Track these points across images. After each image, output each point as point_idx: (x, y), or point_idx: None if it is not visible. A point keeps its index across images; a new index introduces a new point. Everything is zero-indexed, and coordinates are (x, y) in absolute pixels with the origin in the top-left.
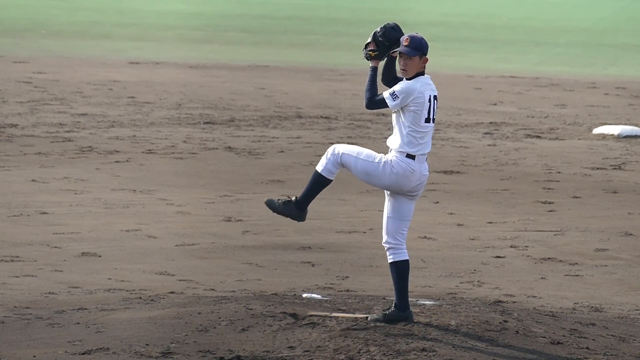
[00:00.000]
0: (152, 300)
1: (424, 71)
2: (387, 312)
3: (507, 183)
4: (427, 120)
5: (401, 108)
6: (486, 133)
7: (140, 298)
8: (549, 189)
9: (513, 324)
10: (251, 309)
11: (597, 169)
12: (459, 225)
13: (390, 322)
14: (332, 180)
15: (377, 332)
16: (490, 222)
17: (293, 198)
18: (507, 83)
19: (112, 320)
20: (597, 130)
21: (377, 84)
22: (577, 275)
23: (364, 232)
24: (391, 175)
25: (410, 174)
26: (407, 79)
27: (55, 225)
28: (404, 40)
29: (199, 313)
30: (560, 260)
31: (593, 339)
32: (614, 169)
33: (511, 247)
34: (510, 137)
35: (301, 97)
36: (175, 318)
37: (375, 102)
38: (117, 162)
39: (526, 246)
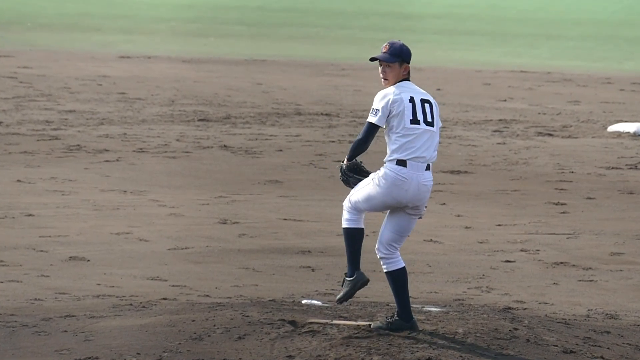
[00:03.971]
0: (143, 307)
1: (408, 79)
2: (391, 320)
3: (518, 183)
4: (414, 122)
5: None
6: (495, 131)
7: (131, 305)
8: (561, 189)
9: (523, 332)
10: (248, 316)
11: (612, 168)
12: (466, 227)
13: (394, 330)
14: (362, 229)
15: (380, 341)
16: (499, 225)
17: (344, 274)
18: (517, 78)
19: (102, 328)
20: (612, 128)
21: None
22: (591, 281)
23: (367, 235)
24: (382, 188)
25: (402, 182)
26: None
27: (42, 228)
28: (383, 47)
29: (193, 320)
30: (573, 265)
31: (608, 348)
32: (630, 168)
33: (521, 251)
34: (521, 135)
35: (300, 93)
36: (168, 326)
37: (363, 133)
38: (107, 161)
39: (537, 250)
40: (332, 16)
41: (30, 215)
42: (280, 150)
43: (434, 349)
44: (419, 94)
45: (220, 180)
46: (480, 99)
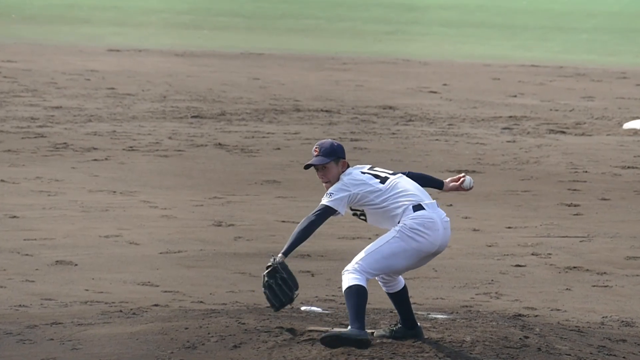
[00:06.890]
0: (134, 313)
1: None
2: (395, 327)
3: (528, 183)
4: (383, 181)
5: (358, 204)
6: (505, 128)
7: (121, 311)
8: (574, 190)
9: (535, 340)
10: (244, 324)
11: (628, 167)
12: (474, 230)
13: (398, 338)
14: (366, 289)
15: (383, 349)
16: (509, 227)
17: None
18: (527, 73)
19: (90, 336)
20: (628, 125)
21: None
22: (605, 286)
23: (369, 238)
24: (414, 239)
25: (431, 223)
26: None
27: (27, 231)
28: (313, 150)
29: (186, 328)
30: (587, 270)
31: (623, 357)
32: None
33: (533, 254)
34: (532, 133)
35: (299, 88)
36: (160, 334)
37: (316, 216)
38: (95, 160)
39: (549, 254)
40: (332, 7)
41: (14, 217)
42: (278, 149)
43: (440, 358)
44: (365, 168)
45: (215, 181)
46: (489, 94)
